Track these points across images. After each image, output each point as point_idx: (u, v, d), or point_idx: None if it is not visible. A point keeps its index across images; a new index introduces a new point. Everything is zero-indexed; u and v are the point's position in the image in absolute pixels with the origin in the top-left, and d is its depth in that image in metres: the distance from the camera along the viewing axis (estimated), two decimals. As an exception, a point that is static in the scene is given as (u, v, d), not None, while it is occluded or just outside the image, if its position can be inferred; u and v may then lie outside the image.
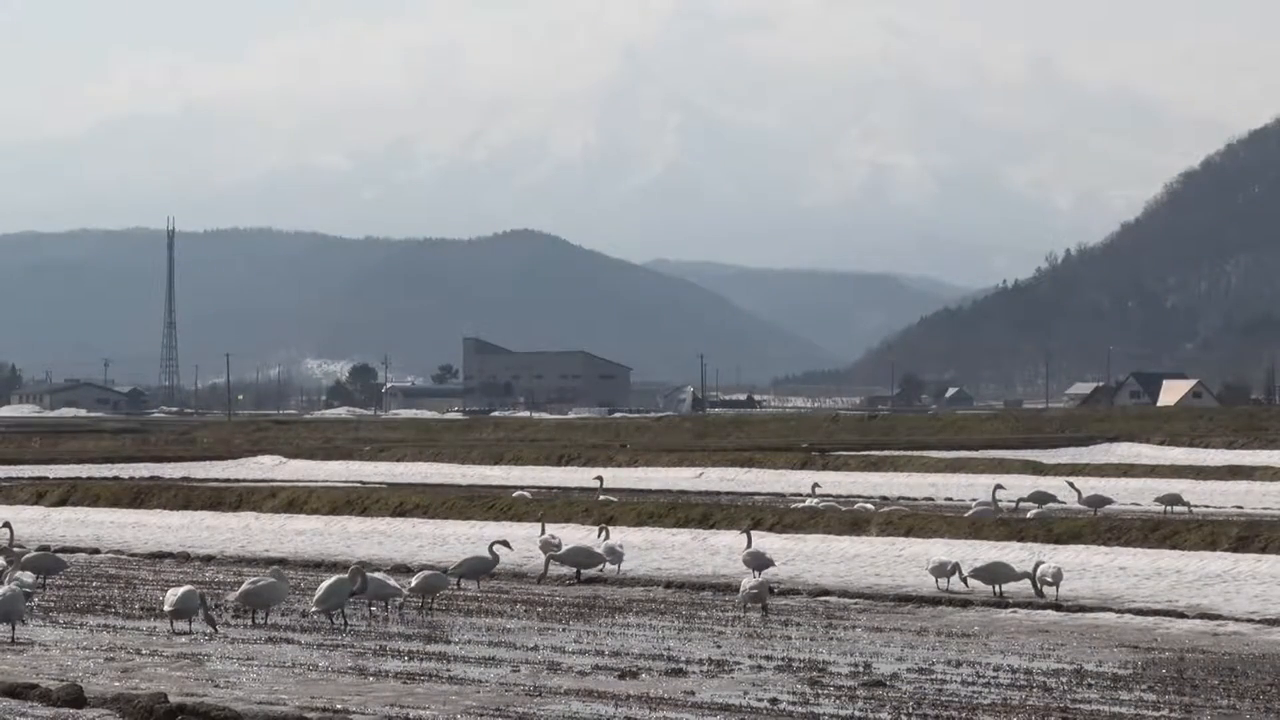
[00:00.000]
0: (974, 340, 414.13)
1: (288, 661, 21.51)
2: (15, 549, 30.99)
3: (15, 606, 23.35)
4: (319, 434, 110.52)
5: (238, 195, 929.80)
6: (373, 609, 26.23)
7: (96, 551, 37.55)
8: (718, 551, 34.31)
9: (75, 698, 18.54)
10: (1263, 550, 31.65)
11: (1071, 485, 48.64)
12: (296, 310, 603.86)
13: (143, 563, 35.46)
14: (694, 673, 20.51)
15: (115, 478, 60.94)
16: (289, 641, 23.34)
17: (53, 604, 27.41)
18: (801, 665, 21.05)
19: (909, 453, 73.02)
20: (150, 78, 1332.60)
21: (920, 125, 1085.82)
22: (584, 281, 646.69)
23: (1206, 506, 47.56)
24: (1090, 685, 19.63)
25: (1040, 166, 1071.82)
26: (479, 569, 29.32)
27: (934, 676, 20.22)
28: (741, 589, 26.82)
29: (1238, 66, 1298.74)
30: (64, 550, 35.99)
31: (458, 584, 29.03)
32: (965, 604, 27.31)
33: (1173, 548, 32.58)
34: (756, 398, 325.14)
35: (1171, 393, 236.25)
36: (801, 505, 42.11)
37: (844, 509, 41.01)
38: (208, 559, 35.65)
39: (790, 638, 23.65)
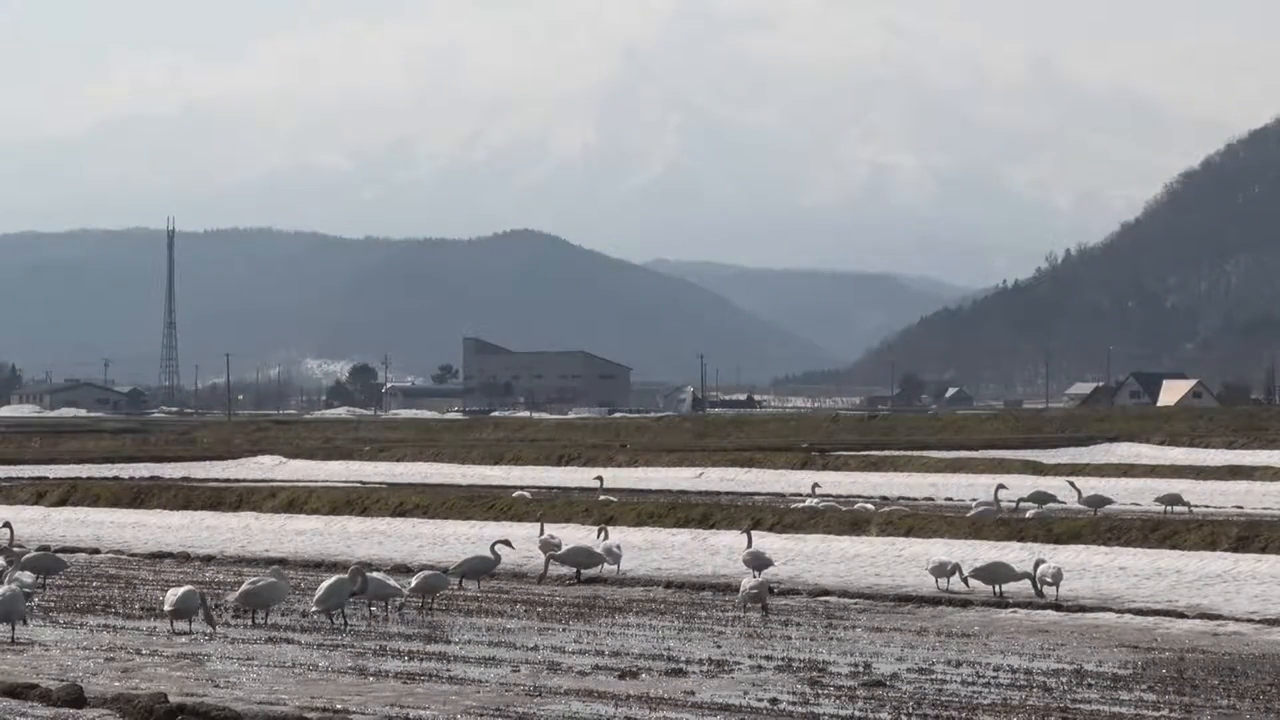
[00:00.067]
0: (974, 340, 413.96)
1: (288, 661, 21.51)
2: (15, 549, 30.99)
3: (15, 606, 23.33)
4: (319, 434, 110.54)
5: (238, 195, 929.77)
6: (373, 609, 26.21)
7: (96, 551, 37.55)
8: (718, 551, 34.30)
9: (75, 698, 18.54)
10: (1263, 550, 31.65)
11: (1072, 485, 48.64)
12: (296, 310, 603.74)
13: (143, 563, 35.46)
14: (694, 673, 20.50)
15: (115, 478, 60.94)
16: (289, 641, 23.34)
17: (53, 604, 27.40)
18: (801, 665, 21.05)
19: (909, 453, 73.02)
20: (150, 78, 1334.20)
21: (920, 125, 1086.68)
22: (584, 281, 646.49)
23: (1206, 506, 47.54)
24: (1090, 685, 19.63)
25: (1040, 166, 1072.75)
26: (480, 569, 29.31)
27: (934, 676, 20.21)
28: (741, 589, 26.81)
29: (1238, 66, 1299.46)
30: (64, 550, 35.98)
31: (459, 584, 29.04)
32: (965, 604, 27.30)
33: (1173, 548, 32.58)
34: (756, 398, 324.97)
35: (1171, 393, 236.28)
36: (801, 505, 42.08)
37: (844, 509, 40.99)
38: (208, 559, 35.65)
39: (790, 638, 23.63)
